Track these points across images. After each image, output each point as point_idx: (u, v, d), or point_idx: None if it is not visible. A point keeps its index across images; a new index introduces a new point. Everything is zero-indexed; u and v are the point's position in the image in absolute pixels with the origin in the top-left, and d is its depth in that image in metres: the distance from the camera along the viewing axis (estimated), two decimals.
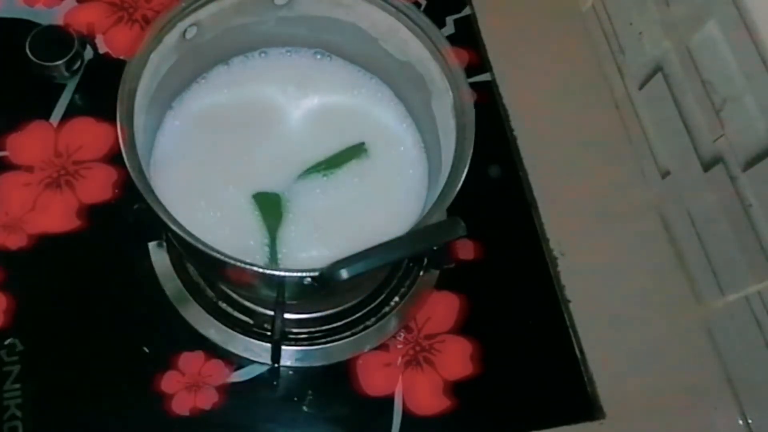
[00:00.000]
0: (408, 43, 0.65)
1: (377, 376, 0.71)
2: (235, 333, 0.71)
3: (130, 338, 0.70)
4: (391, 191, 0.68)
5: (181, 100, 0.69)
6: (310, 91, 0.71)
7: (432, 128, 0.67)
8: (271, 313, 0.69)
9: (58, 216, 0.74)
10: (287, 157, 0.68)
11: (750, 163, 0.66)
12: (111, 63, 0.80)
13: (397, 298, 0.73)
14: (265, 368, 0.70)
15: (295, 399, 0.70)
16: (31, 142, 0.76)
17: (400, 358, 0.71)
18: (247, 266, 0.55)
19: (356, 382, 0.70)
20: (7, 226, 0.73)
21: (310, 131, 0.70)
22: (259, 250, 0.65)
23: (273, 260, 0.65)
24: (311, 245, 0.65)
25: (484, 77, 0.84)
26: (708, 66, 0.69)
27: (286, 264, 0.64)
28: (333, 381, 0.71)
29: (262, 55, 0.71)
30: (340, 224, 0.66)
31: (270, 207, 0.66)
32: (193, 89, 0.70)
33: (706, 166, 0.71)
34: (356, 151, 0.68)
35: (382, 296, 0.73)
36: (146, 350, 0.70)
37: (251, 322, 0.71)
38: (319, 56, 0.72)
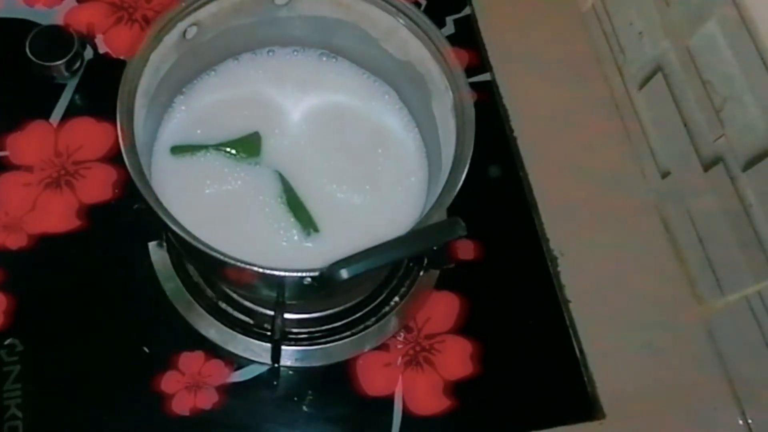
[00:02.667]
0: (408, 43, 0.65)
1: (377, 376, 0.71)
2: (235, 333, 0.71)
3: (130, 338, 0.70)
4: (392, 196, 0.68)
5: (192, 87, 0.69)
6: (314, 91, 0.71)
7: (432, 128, 0.67)
8: (271, 313, 0.69)
9: (58, 216, 0.74)
10: (289, 157, 0.68)
11: (750, 163, 0.66)
12: (111, 63, 0.80)
13: (397, 298, 0.73)
14: (265, 368, 0.70)
15: (295, 399, 0.70)
16: (31, 142, 0.76)
17: (400, 358, 0.71)
18: (247, 266, 0.55)
19: (356, 382, 0.70)
20: (7, 226, 0.73)
21: (312, 133, 0.69)
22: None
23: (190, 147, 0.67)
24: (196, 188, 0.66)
25: (484, 77, 0.84)
26: (708, 66, 0.69)
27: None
28: (333, 381, 0.71)
29: (270, 53, 0.71)
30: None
31: (247, 144, 0.67)
32: (203, 79, 0.70)
33: (706, 166, 0.71)
34: (307, 222, 0.65)
35: (382, 296, 0.73)
36: (146, 350, 0.70)
37: (251, 322, 0.71)
38: (324, 58, 0.72)
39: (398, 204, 0.67)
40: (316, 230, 0.65)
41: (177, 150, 0.67)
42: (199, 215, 0.62)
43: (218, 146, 0.67)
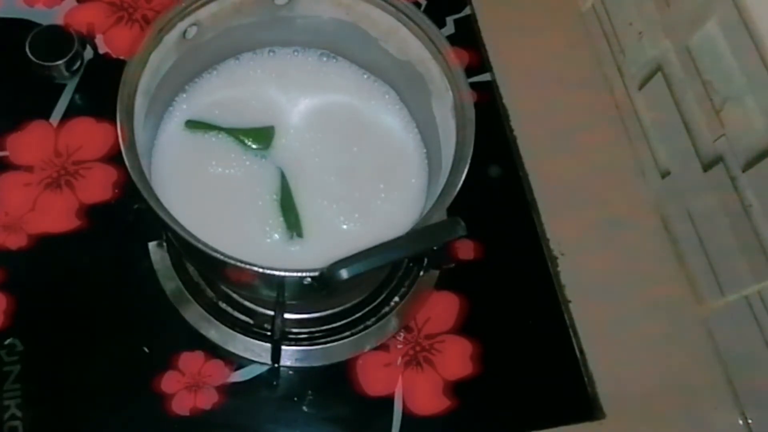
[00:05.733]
0: (408, 43, 0.65)
1: (377, 376, 0.71)
2: (235, 333, 0.71)
3: (130, 338, 0.70)
4: (391, 196, 0.68)
5: (192, 86, 0.70)
6: (315, 91, 0.71)
7: (432, 128, 0.67)
8: (271, 313, 0.69)
9: (58, 216, 0.74)
10: (295, 158, 0.68)
11: (750, 163, 0.66)
12: (111, 63, 0.80)
13: (397, 298, 0.73)
14: (265, 368, 0.70)
15: (295, 399, 0.70)
16: (31, 142, 0.76)
17: (400, 358, 0.71)
18: (247, 266, 0.55)
19: (356, 382, 0.70)
20: (7, 226, 0.73)
21: (317, 137, 0.69)
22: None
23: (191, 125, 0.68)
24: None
25: (484, 77, 0.84)
26: (708, 66, 0.69)
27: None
28: (333, 381, 0.71)
29: (271, 53, 0.71)
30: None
31: (260, 136, 0.68)
32: (203, 79, 0.70)
33: (706, 166, 0.71)
34: (294, 225, 0.66)
35: (382, 296, 0.73)
36: (146, 350, 0.70)
37: (251, 322, 0.71)
38: (324, 58, 0.72)
39: (398, 204, 0.67)
40: (300, 235, 0.65)
41: (192, 124, 0.68)
42: (196, 192, 0.65)
43: (232, 131, 0.68)
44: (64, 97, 0.78)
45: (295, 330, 0.72)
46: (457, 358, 0.72)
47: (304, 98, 0.71)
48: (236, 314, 0.72)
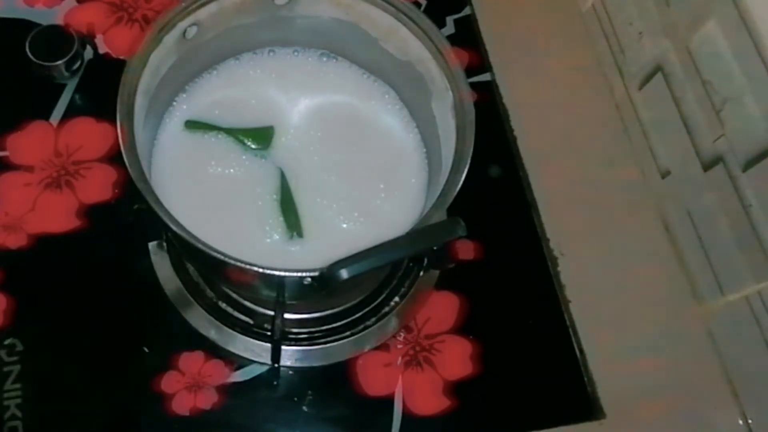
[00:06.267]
0: (408, 43, 0.65)
1: (377, 376, 0.71)
2: (235, 333, 0.71)
3: (130, 338, 0.70)
4: (391, 196, 0.68)
5: (192, 86, 0.70)
6: (315, 91, 0.71)
7: (432, 128, 0.67)
8: (271, 313, 0.69)
9: (58, 216, 0.74)
10: (295, 158, 0.68)
11: (750, 163, 0.66)
12: (111, 63, 0.80)
13: (397, 298, 0.73)
14: (265, 368, 0.70)
15: (295, 399, 0.70)
16: (31, 142, 0.76)
17: (400, 358, 0.71)
18: (247, 266, 0.55)
19: (356, 382, 0.70)
20: (7, 226, 0.73)
21: (318, 137, 0.69)
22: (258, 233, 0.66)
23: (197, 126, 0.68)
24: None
25: (484, 77, 0.84)
26: (708, 66, 0.69)
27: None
28: (333, 381, 0.71)
29: (271, 53, 0.71)
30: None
31: (259, 136, 0.68)
32: (204, 79, 0.70)
33: (706, 166, 0.71)
34: (294, 225, 0.66)
35: (382, 296, 0.73)
36: (146, 350, 0.70)
37: (251, 322, 0.71)
38: (324, 58, 0.72)
39: (398, 204, 0.67)
40: (300, 235, 0.65)
41: (191, 125, 0.68)
42: (196, 192, 0.66)
43: (232, 130, 0.68)
44: (64, 97, 0.78)
45: (295, 330, 0.72)
46: (457, 358, 0.72)
47: (304, 98, 0.71)
48: (236, 314, 0.72)
